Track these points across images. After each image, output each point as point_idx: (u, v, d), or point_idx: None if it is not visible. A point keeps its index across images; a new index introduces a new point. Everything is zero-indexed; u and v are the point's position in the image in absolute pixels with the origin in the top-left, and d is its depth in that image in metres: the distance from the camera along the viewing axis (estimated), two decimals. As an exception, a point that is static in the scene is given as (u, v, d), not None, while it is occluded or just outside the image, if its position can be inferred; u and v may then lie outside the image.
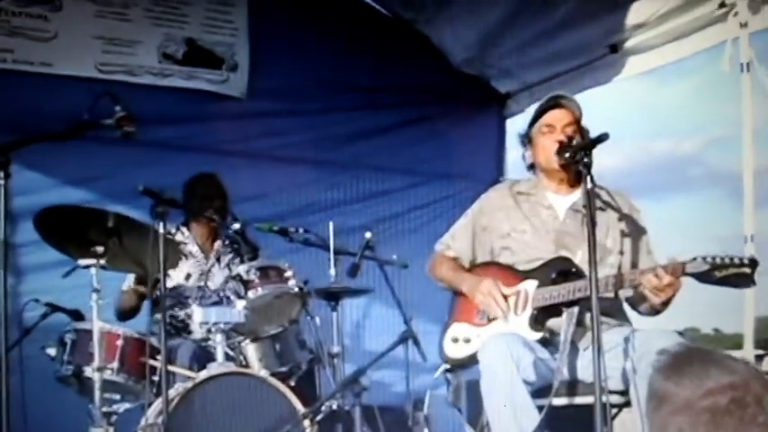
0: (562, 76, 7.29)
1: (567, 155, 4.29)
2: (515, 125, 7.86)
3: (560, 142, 4.47)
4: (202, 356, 5.41)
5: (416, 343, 5.72)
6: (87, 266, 4.95)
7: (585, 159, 4.08)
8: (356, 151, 7.49)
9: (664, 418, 2.18)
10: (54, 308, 5.53)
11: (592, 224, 4.01)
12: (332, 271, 5.89)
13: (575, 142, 4.39)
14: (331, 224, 5.90)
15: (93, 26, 6.68)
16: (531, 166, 4.81)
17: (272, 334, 5.41)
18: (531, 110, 4.85)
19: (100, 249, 4.97)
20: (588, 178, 4.04)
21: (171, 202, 4.80)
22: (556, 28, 7.06)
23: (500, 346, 4.26)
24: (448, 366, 4.67)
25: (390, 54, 7.51)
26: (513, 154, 7.82)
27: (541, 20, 7.10)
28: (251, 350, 5.41)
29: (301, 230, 5.99)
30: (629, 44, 6.85)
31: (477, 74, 7.79)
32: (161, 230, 4.68)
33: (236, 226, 5.61)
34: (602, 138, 4.11)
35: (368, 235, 5.96)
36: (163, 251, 4.70)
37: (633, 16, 6.68)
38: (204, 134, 6.96)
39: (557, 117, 4.61)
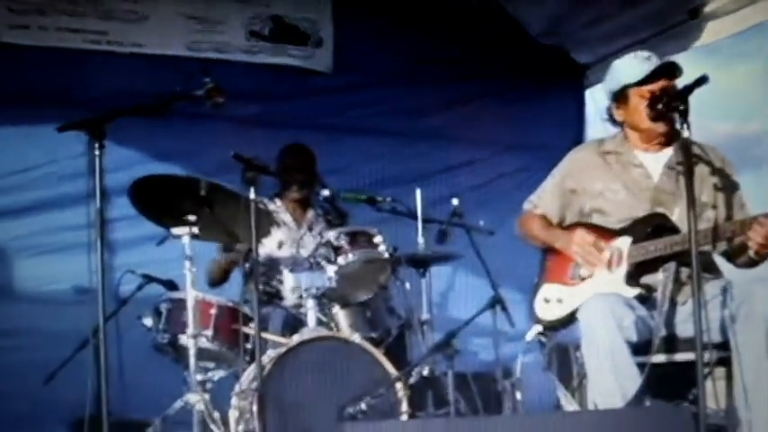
0: (640, 44, 6.81)
1: (661, 105, 3.89)
2: (594, 96, 7.50)
3: (652, 93, 4.09)
4: (295, 324, 5.14)
5: (504, 308, 5.38)
6: (179, 236, 4.67)
7: (681, 107, 3.67)
8: (438, 122, 7.12)
9: None
10: (149, 279, 5.32)
11: (689, 174, 3.62)
12: (420, 239, 5.55)
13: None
14: (418, 191, 5.57)
15: (181, 7, 6.45)
16: (620, 123, 4.40)
17: (363, 300, 5.09)
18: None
19: (192, 218, 4.69)
20: (685, 126, 3.63)
21: (261, 168, 4.49)
22: (632, -4, 6.64)
23: (600, 305, 3.91)
24: (540, 329, 4.31)
25: (470, 26, 7.10)
26: (593, 125, 7.47)
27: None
28: (342, 316, 5.11)
29: (389, 199, 5.68)
30: (708, 9, 6.39)
31: (556, 45, 7.36)
32: (251, 196, 4.37)
33: (326, 193, 5.32)
34: (700, 81, 3.70)
35: (455, 201, 5.62)
36: (254, 218, 4.41)
37: (713, -20, 6.25)
38: (292, 109, 6.66)
39: (662, 85, 4.14)
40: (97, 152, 4.28)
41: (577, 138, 7.35)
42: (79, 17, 6.17)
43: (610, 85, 4.38)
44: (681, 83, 4.07)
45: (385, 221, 5.68)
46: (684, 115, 3.66)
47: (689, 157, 3.66)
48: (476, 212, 5.94)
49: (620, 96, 4.33)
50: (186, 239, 4.65)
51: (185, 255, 4.65)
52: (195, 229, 4.66)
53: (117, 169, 5.41)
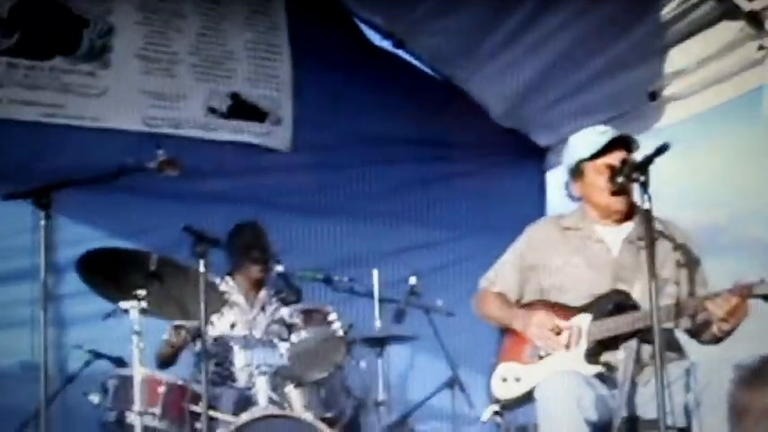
0: (604, 124, 6.78)
1: (621, 179, 3.79)
2: (555, 178, 7.44)
3: (611, 167, 4.00)
4: (246, 404, 4.93)
5: (462, 389, 5.23)
6: (126, 310, 4.49)
7: (642, 178, 3.58)
8: (398, 205, 7.03)
9: (748, 429, 2.04)
10: (96, 355, 5.13)
11: (651, 247, 3.52)
12: (377, 319, 5.41)
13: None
14: (375, 272, 5.45)
15: (140, 82, 6.35)
16: (579, 199, 4.30)
17: (317, 379, 4.89)
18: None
19: (141, 293, 4.51)
20: (646, 198, 3.53)
21: (212, 241, 4.34)
22: (593, 78, 6.63)
23: (559, 383, 3.77)
24: (497, 408, 4.14)
25: (431, 108, 7.09)
26: (554, 207, 7.38)
27: (578, 71, 6.67)
28: (295, 396, 4.88)
29: (345, 279, 5.55)
30: (668, 91, 6.37)
31: (516, 127, 7.35)
32: (201, 270, 4.22)
33: (280, 268, 5.15)
34: (662, 149, 3.60)
35: (412, 280, 5.53)
36: (204, 292, 4.26)
37: (671, 63, 6.23)
38: (249, 187, 6.53)
39: (618, 158, 4.03)
40: (42, 222, 4.15)
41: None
42: (36, 89, 6.06)
43: (566, 160, 4.30)
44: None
45: (342, 301, 5.57)
46: (645, 187, 3.57)
47: (650, 230, 3.56)
48: (436, 294, 5.84)
49: (576, 171, 4.23)
50: (134, 314, 4.46)
51: (133, 330, 4.45)
52: (144, 303, 4.48)
53: (70, 245, 5.28)
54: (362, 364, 5.04)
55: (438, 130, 7.09)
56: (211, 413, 4.53)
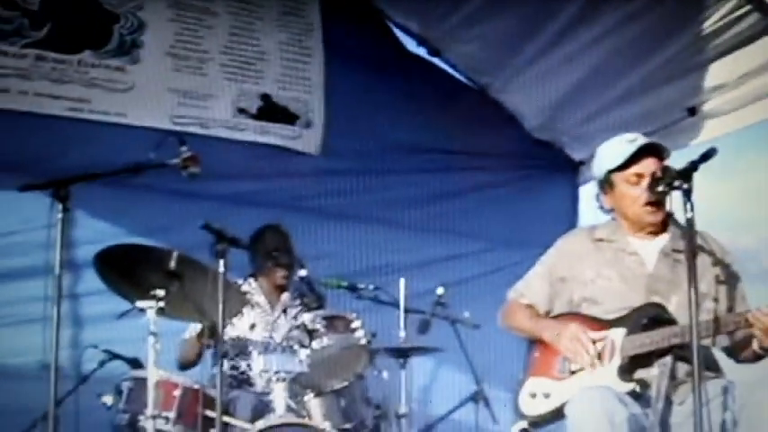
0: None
1: (661, 187, 3.59)
2: (589, 193, 7.24)
3: (639, 176, 3.85)
4: (264, 410, 4.75)
5: (487, 404, 5.02)
6: (143, 309, 4.32)
7: (685, 185, 3.37)
8: (428, 214, 6.86)
9: None
10: (112, 355, 4.94)
11: (692, 257, 3.31)
12: (401, 329, 5.21)
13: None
14: (402, 281, 5.25)
15: (169, 79, 6.24)
16: (610, 210, 4.09)
17: (337, 388, 4.69)
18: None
19: (160, 293, 4.34)
20: (689, 206, 3.33)
21: (232, 240, 4.16)
22: (631, 92, 6.46)
23: (591, 400, 3.55)
24: (525, 425, 3.92)
25: (464, 118, 6.91)
26: (587, 222, 7.18)
27: (616, 85, 6.51)
28: (314, 405, 4.68)
29: (371, 287, 5.36)
30: (707, 107, 6.16)
31: (550, 140, 7.18)
32: (221, 270, 4.04)
33: (303, 273, 4.94)
34: (707, 155, 3.40)
35: (440, 291, 5.33)
36: (223, 292, 4.09)
37: (711, 78, 6.02)
38: (275, 190, 6.39)
39: (649, 166, 3.87)
40: (60, 215, 4.00)
41: (571, 235, 7.09)
42: (62, 83, 5.94)
43: (595, 172, 4.10)
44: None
45: (366, 310, 5.37)
46: (688, 195, 3.36)
47: (692, 241, 3.35)
48: (462, 306, 5.64)
49: (606, 183, 4.03)
50: (151, 314, 4.30)
51: (149, 330, 4.29)
52: (161, 303, 4.31)
53: (89, 242, 5.15)
54: (385, 374, 4.83)
55: (471, 139, 6.93)
56: (226, 419, 4.36)
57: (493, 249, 6.96)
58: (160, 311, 4.30)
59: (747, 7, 5.51)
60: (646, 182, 3.85)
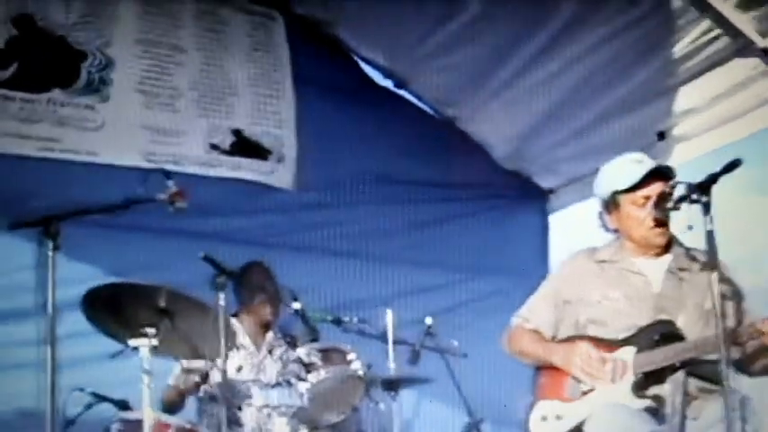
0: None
1: (671, 204, 3.61)
2: (559, 220, 7.29)
3: (646, 199, 3.86)
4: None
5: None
6: (136, 348, 4.19)
7: (704, 198, 3.38)
8: (399, 245, 6.80)
9: None
10: (99, 398, 4.78)
11: (714, 268, 3.34)
12: (390, 360, 5.14)
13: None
14: (389, 311, 5.21)
15: (140, 116, 6.12)
16: (614, 230, 4.08)
17: (334, 422, 4.61)
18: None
19: (151, 331, 4.22)
20: (708, 219, 3.33)
21: (231, 274, 4.07)
22: (600, 119, 6.48)
23: (611, 418, 3.56)
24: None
25: (433, 148, 6.94)
26: (557, 250, 7.22)
27: (585, 111, 6.52)
28: (309, 440, 4.61)
29: (356, 320, 5.28)
30: (677, 130, 6.22)
31: (519, 170, 7.20)
32: (221, 303, 3.95)
33: (297, 305, 4.86)
34: (731, 166, 3.42)
35: (428, 321, 5.28)
36: (224, 326, 3.98)
37: (681, 101, 6.09)
38: (251, 226, 6.29)
39: (656, 188, 3.87)
40: (50, 253, 3.89)
41: (541, 265, 7.10)
42: (32, 123, 5.81)
43: (600, 191, 4.09)
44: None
45: (351, 343, 5.24)
46: (708, 208, 3.37)
47: (714, 252, 3.36)
48: (445, 337, 5.58)
49: (611, 203, 4.03)
50: (144, 352, 4.17)
51: (143, 369, 4.15)
52: (154, 341, 4.20)
53: (69, 283, 4.97)
54: (382, 405, 4.77)
55: (440, 170, 6.94)
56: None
57: (470, 280, 6.95)
58: (153, 349, 4.20)
59: (717, 31, 5.58)
60: (651, 203, 3.86)
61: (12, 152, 5.76)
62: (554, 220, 7.28)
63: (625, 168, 4.00)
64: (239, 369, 5.18)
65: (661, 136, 6.30)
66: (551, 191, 7.29)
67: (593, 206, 6.99)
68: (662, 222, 3.85)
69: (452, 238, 6.94)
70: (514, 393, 6.36)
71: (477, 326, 6.40)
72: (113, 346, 4.43)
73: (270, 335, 5.34)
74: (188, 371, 5.06)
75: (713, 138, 6.09)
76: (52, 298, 3.91)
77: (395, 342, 5.24)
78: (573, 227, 7.12)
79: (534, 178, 7.26)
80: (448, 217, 6.97)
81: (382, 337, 5.25)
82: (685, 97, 6.06)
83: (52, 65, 5.91)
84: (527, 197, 7.28)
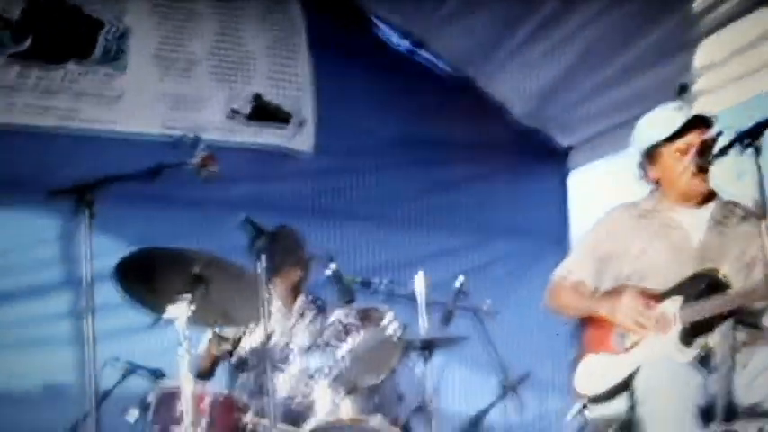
0: (628, 125, 6.52)
1: (713, 152, 3.57)
2: (578, 179, 7.25)
3: (688, 147, 3.83)
4: (292, 415, 4.61)
5: (515, 393, 4.94)
6: (174, 317, 4.14)
7: (756, 142, 3.34)
8: (420, 208, 6.77)
9: None
10: (134, 368, 4.76)
11: (764, 216, 3.29)
12: (423, 322, 5.08)
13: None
14: (420, 273, 5.14)
15: (158, 85, 6.07)
16: (655, 182, 4.04)
17: (371, 385, 4.57)
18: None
19: (187, 297, 4.17)
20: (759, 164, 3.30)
21: (272, 236, 4.03)
22: (620, 75, 6.42)
23: (664, 368, 3.50)
24: (582, 405, 3.86)
25: (451, 109, 6.86)
26: (577, 210, 7.19)
27: (605, 68, 6.47)
28: (347, 403, 4.54)
29: (385, 282, 5.22)
30: (697, 85, 6.16)
31: (539, 127, 7.13)
32: (261, 266, 3.90)
33: (333, 266, 4.80)
34: None
35: (460, 280, 5.20)
36: (261, 291, 3.93)
37: (702, 56, 6.02)
38: (274, 192, 6.23)
39: (698, 136, 3.84)
40: (87, 221, 3.84)
41: (562, 224, 7.07)
42: (49, 95, 5.75)
43: (639, 143, 4.05)
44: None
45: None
46: (758, 153, 3.33)
47: (764, 199, 3.31)
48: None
49: (651, 154, 3.99)
50: (182, 320, 4.12)
51: (181, 337, 4.09)
52: (192, 307, 4.15)
53: (96, 257, 4.96)
54: (418, 367, 4.73)
55: (459, 131, 6.87)
56: (265, 423, 4.22)
57: (489, 240, 6.91)
58: (192, 315, 4.15)
59: (738, -19, 5.54)
60: (693, 151, 3.82)
61: (31, 125, 5.71)
62: (573, 177, 7.25)
63: (665, 117, 3.96)
64: (271, 334, 5.14)
65: (682, 90, 6.24)
66: (570, 148, 7.25)
67: (611, 163, 7.08)
68: (703, 172, 3.82)
69: (474, 198, 6.89)
70: (544, 353, 6.47)
71: (502, 286, 6.42)
72: (145, 317, 4.41)
73: (300, 300, 5.32)
74: (219, 338, 5.05)
75: (736, 91, 6.03)
76: (90, 266, 3.82)
77: (426, 303, 5.18)
78: (592, 184, 7.10)
79: (553, 136, 7.21)
80: (468, 178, 6.92)
81: (411, 299, 5.19)
82: (707, 51, 5.99)
83: (68, 35, 5.85)
84: (546, 156, 7.23)
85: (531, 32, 6.44)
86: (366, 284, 5.23)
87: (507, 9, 6.36)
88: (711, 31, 5.90)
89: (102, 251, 5.35)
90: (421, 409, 4.83)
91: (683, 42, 6.05)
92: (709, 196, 3.95)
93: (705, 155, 3.73)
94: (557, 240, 6.95)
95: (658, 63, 6.21)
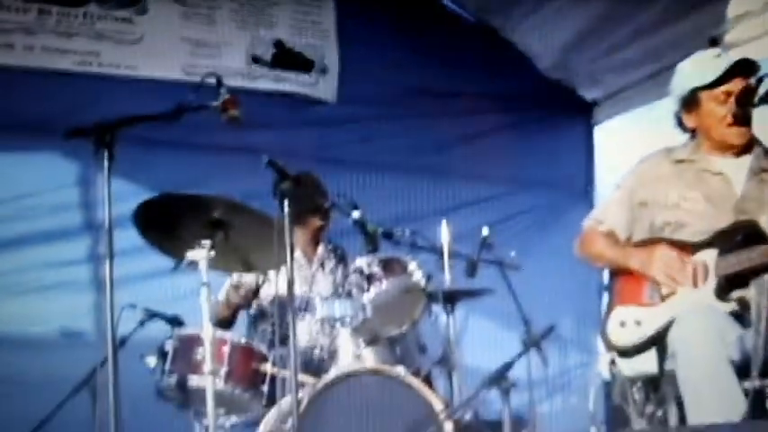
0: (655, 77, 6.38)
1: (756, 99, 3.41)
2: (604, 132, 7.09)
3: (728, 94, 3.67)
4: (312, 365, 4.54)
5: (539, 348, 4.79)
6: (193, 261, 4.02)
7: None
8: (445, 159, 6.61)
9: None
10: (152, 314, 4.63)
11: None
12: (446, 273, 4.94)
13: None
14: (444, 222, 5.00)
15: (179, 29, 5.92)
16: (692, 130, 3.88)
17: (393, 335, 4.45)
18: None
19: (207, 242, 4.04)
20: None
21: (297, 180, 3.90)
22: (647, 26, 6.23)
23: (701, 318, 3.36)
24: (612, 357, 3.72)
25: (476, 59, 6.69)
26: (602, 164, 7.04)
27: (632, 19, 6.26)
28: (369, 354, 4.43)
29: (408, 232, 5.07)
30: (730, 37, 5.96)
31: (563, 80, 6.94)
32: (286, 209, 3.78)
33: (356, 214, 4.66)
34: None
35: (485, 231, 5.04)
36: (287, 236, 3.81)
37: (734, 6, 5.82)
38: (296, 140, 6.04)
39: (739, 84, 3.68)
40: (106, 162, 3.70)
41: (587, 178, 6.94)
42: (69, 37, 5.62)
43: (677, 89, 3.87)
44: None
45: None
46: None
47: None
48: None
49: (690, 101, 3.81)
50: (203, 264, 4.00)
51: (201, 282, 3.97)
52: (213, 253, 4.02)
53: (114, 201, 4.84)
54: (441, 319, 4.60)
55: (484, 81, 6.71)
56: (284, 373, 4.12)
57: (513, 193, 6.78)
58: (211, 260, 4.03)
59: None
60: (733, 99, 3.66)
61: (50, 67, 5.60)
62: (599, 132, 7.10)
63: (706, 63, 3.79)
64: (292, 282, 5.02)
65: (713, 42, 6.01)
66: (596, 103, 7.07)
67: (636, 118, 6.91)
68: (744, 119, 3.66)
69: (499, 150, 6.72)
70: (568, 307, 6.35)
71: (527, 238, 6.31)
72: (162, 263, 4.31)
73: (321, 248, 5.19)
74: (238, 285, 4.94)
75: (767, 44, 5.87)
76: (109, 211, 3.70)
77: (450, 255, 5.05)
78: (619, 138, 6.95)
79: (579, 89, 7.02)
80: (494, 129, 6.76)
81: (435, 250, 5.05)
82: (739, 2, 5.82)
83: (88, -25, 5.71)
84: (572, 108, 7.07)
85: (558, -20, 6.26)
86: (388, 235, 5.06)
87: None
88: (744, -19, 5.72)
89: (122, 196, 5.27)
90: (443, 361, 4.71)
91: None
92: (750, 145, 3.77)
93: (746, 102, 3.57)
94: (582, 194, 6.86)
95: (687, 15, 6.00)
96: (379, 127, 6.41)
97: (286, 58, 6.17)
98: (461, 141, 6.66)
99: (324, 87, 6.26)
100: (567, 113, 7.03)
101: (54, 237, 5.47)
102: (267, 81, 6.11)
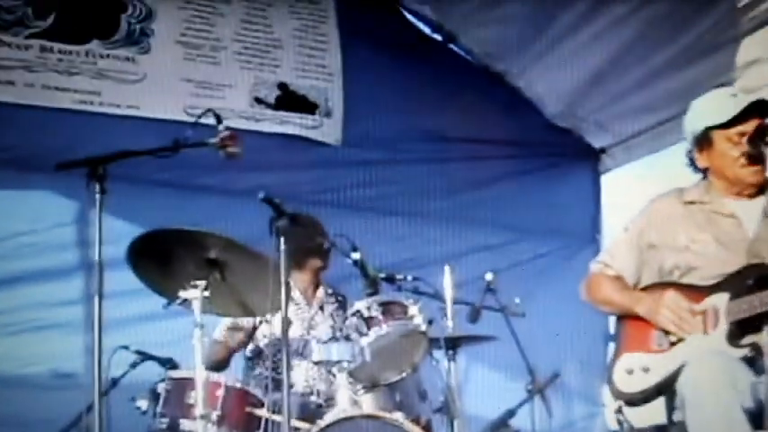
0: (664, 124, 6.27)
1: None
2: (611, 181, 6.97)
3: (741, 135, 3.54)
4: (309, 410, 4.35)
5: (543, 397, 4.64)
6: (186, 300, 3.87)
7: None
8: (450, 204, 6.50)
9: None
10: (144, 356, 4.48)
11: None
12: (449, 318, 4.80)
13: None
14: (447, 269, 4.87)
15: (181, 69, 5.85)
16: (704, 170, 3.74)
17: (392, 381, 4.27)
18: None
19: (201, 283, 3.90)
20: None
21: (293, 218, 3.76)
22: (657, 73, 6.14)
23: (713, 364, 3.20)
24: (621, 404, 3.55)
25: (482, 104, 6.62)
26: (610, 212, 6.93)
27: (640, 67, 6.17)
28: (367, 400, 4.24)
29: (410, 278, 4.92)
30: (739, 83, 5.85)
31: (571, 127, 6.85)
32: (282, 247, 3.63)
33: (356, 256, 4.50)
34: None
35: (488, 277, 4.90)
36: (283, 277, 3.67)
37: (743, 53, 5.72)
38: (298, 182, 5.97)
39: (753, 124, 3.56)
40: (98, 196, 3.60)
41: (594, 225, 6.83)
42: (70, 75, 5.55)
43: (691, 126, 3.74)
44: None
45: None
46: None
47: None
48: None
49: (702, 140, 3.68)
50: (197, 304, 3.86)
51: (195, 322, 3.84)
52: (206, 293, 3.88)
53: (108, 241, 4.71)
54: (444, 364, 4.43)
55: (490, 127, 6.62)
56: (275, 418, 3.95)
57: (518, 240, 6.64)
58: (206, 302, 3.89)
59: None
60: (746, 139, 3.53)
61: (50, 105, 5.52)
62: (606, 179, 7.00)
63: (720, 102, 3.66)
64: (289, 324, 4.86)
65: (722, 89, 5.96)
66: (603, 150, 6.98)
67: (645, 166, 6.79)
68: (758, 160, 3.52)
69: (505, 196, 6.65)
70: (573, 355, 6.19)
71: (532, 286, 6.17)
72: (158, 305, 4.16)
73: (321, 291, 5.05)
74: (234, 328, 4.80)
75: (778, 90, 5.76)
76: (99, 246, 3.58)
77: (453, 300, 4.90)
78: (625, 186, 6.83)
79: (586, 137, 6.93)
80: (499, 175, 6.68)
81: (437, 296, 4.91)
82: (748, 48, 5.71)
83: (91, 15, 5.66)
84: (579, 156, 6.97)
85: (564, 29, 6.20)
86: (390, 280, 4.93)
87: (539, 5, 6.11)
88: (753, 29, 5.61)
89: (120, 237, 5.15)
90: (444, 408, 4.53)
91: (724, 40, 5.76)
92: (763, 186, 3.64)
93: (760, 142, 3.44)
94: (589, 242, 6.74)
95: (696, 61, 5.93)
96: (383, 170, 6.31)
97: (290, 101, 6.09)
98: (467, 187, 6.55)
99: (328, 130, 6.16)
100: (574, 160, 6.94)
101: (49, 276, 5.36)
102: (270, 123, 6.03)
